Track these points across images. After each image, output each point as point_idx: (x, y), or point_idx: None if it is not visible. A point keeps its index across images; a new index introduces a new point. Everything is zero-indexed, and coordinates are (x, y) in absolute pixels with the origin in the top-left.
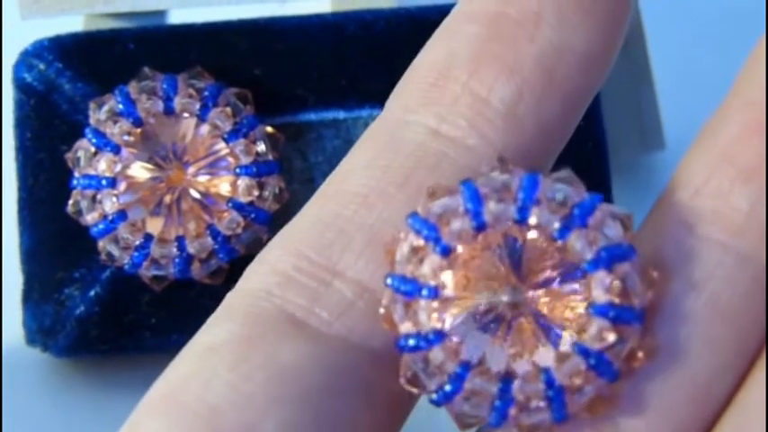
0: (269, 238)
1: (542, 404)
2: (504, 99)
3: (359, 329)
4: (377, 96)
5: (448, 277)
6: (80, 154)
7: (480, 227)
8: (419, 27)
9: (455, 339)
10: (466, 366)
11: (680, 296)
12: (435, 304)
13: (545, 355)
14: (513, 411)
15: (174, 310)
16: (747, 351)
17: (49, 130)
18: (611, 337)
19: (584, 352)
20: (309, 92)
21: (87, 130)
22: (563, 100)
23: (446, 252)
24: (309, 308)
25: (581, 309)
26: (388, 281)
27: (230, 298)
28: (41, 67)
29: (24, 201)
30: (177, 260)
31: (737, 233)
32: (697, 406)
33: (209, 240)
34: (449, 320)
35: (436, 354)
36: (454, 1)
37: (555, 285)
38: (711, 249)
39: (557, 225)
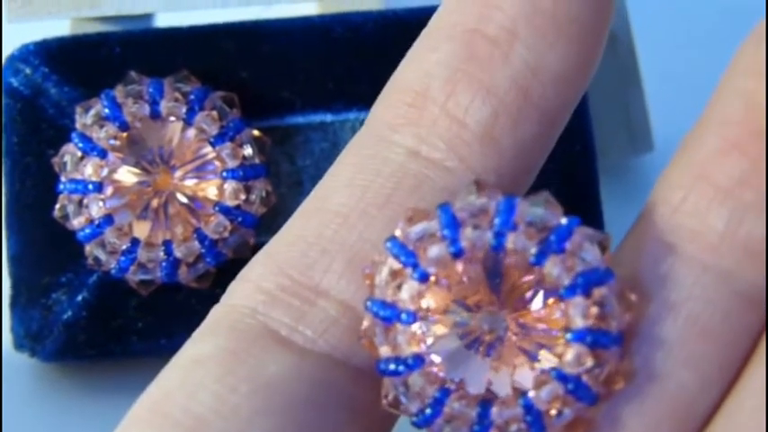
0: (256, 242)
1: (522, 427)
2: (480, 121)
3: (342, 347)
4: (364, 99)
5: (427, 302)
6: (66, 158)
7: (458, 253)
8: (406, 29)
9: (436, 360)
10: (445, 391)
11: (657, 317)
12: (414, 329)
13: (524, 377)
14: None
15: (161, 315)
16: (730, 366)
17: (36, 135)
18: (588, 362)
19: (562, 378)
20: (296, 95)
21: (74, 135)
22: (539, 119)
23: (424, 278)
24: (294, 326)
25: (559, 331)
26: (368, 304)
27: (215, 313)
28: (28, 71)
29: (11, 205)
30: (164, 264)
31: (715, 252)
32: (679, 423)
33: (196, 244)
34: (430, 340)
35: (415, 379)
36: (439, 2)
37: (534, 307)
38: (690, 268)
39: (533, 251)
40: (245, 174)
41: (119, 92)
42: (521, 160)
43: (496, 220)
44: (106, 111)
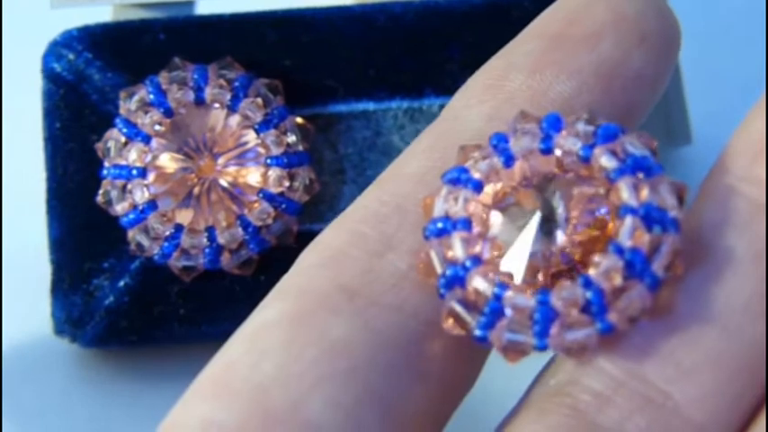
0: (299, 229)
1: (585, 318)
2: (562, 93)
3: (412, 299)
4: (406, 88)
5: (477, 209)
6: (110, 144)
7: (509, 160)
8: (448, 19)
9: (498, 238)
10: (503, 286)
11: (740, 263)
12: (466, 234)
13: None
14: (555, 329)
15: (203, 301)
16: None
17: (79, 121)
18: (644, 237)
19: (618, 250)
20: (339, 83)
21: (118, 120)
22: (616, 110)
23: (477, 187)
24: (362, 278)
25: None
26: (426, 233)
27: (285, 277)
28: (71, 57)
29: (53, 191)
30: (207, 251)
31: None
32: (755, 375)
33: (240, 231)
34: (493, 219)
35: (473, 278)
36: None
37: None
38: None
39: (580, 145)
40: (289, 161)
41: (163, 78)
42: None
43: (544, 125)
44: (151, 96)
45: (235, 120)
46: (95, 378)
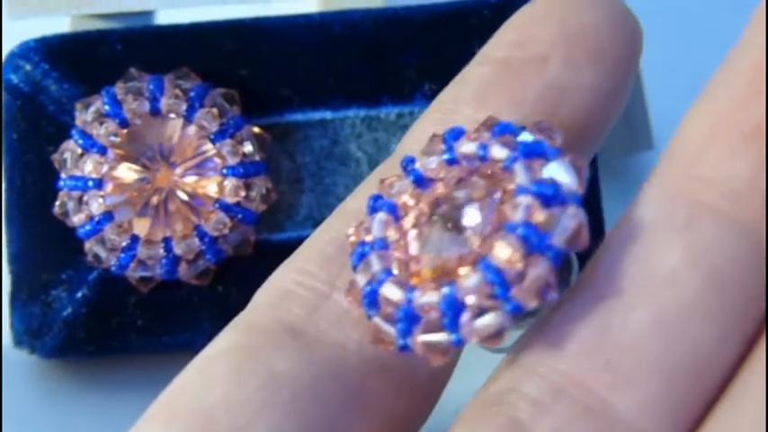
0: (256, 239)
1: (492, 302)
2: None
3: (356, 335)
4: (364, 96)
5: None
6: (67, 155)
7: (418, 180)
8: (406, 27)
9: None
10: (411, 290)
11: (677, 268)
12: (380, 254)
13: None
14: (464, 319)
15: (161, 312)
16: (751, 321)
17: (36, 132)
18: (539, 213)
19: (511, 228)
20: (296, 92)
21: (74, 132)
22: (568, 135)
23: (392, 209)
24: (307, 318)
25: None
26: (352, 264)
27: (240, 314)
28: (28, 68)
29: (11, 202)
30: (164, 261)
31: (738, 201)
32: (696, 378)
33: (196, 241)
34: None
35: (387, 290)
36: (442, 0)
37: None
38: (711, 219)
39: (476, 146)
40: (245, 171)
41: (119, 89)
42: None
43: (447, 137)
44: (106, 108)
45: (192, 130)
46: (55, 389)
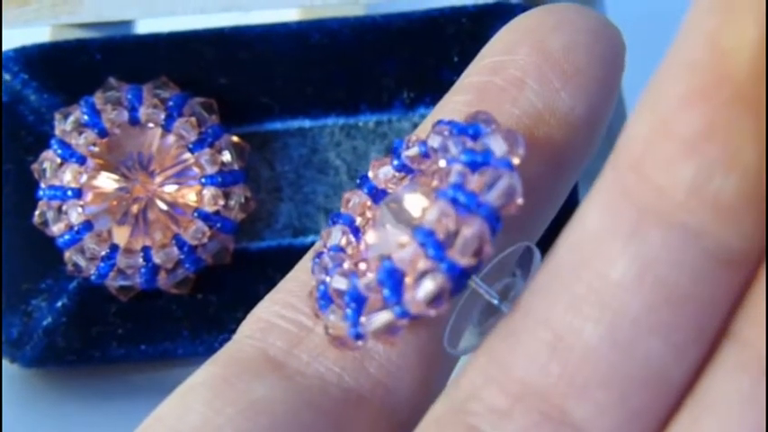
0: (235, 248)
1: (428, 265)
2: None
3: (336, 368)
4: (342, 104)
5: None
6: (46, 165)
7: (371, 190)
8: (385, 35)
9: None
10: (356, 275)
11: (625, 279)
12: (337, 254)
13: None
14: (407, 292)
15: (140, 320)
16: (706, 330)
17: (15, 142)
18: (471, 179)
19: (443, 194)
20: (275, 101)
21: (53, 141)
22: (546, 160)
23: (349, 221)
24: (289, 350)
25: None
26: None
27: (222, 348)
28: (7, 78)
29: None
30: (143, 270)
31: (682, 209)
32: (652, 393)
33: (175, 250)
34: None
35: (335, 281)
36: (420, 8)
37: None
38: (656, 227)
39: (417, 148)
40: (223, 180)
41: (98, 98)
42: (528, 198)
43: (397, 151)
44: (85, 117)
45: (171, 139)
46: (35, 398)
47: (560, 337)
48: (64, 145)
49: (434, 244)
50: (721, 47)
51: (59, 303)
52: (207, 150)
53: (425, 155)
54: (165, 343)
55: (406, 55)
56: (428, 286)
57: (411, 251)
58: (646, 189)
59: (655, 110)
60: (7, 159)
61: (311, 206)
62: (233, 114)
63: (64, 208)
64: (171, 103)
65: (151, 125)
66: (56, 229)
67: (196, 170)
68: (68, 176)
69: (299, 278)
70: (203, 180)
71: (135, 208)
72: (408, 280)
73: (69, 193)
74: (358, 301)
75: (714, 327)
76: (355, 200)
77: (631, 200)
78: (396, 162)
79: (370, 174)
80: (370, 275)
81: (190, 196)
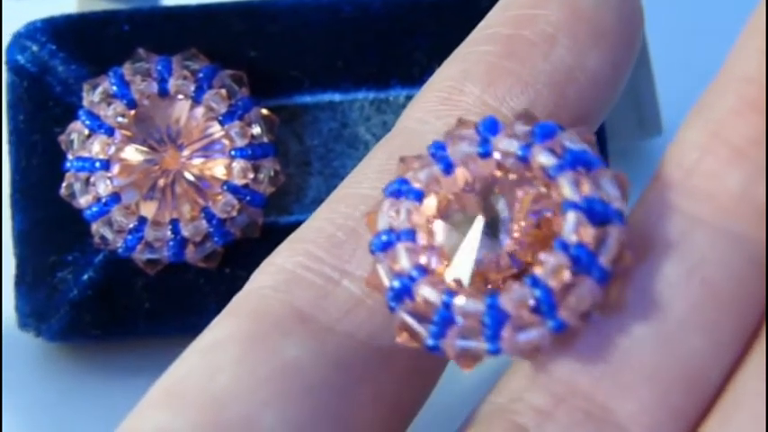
0: (264, 222)
1: (536, 318)
2: (515, 110)
3: (367, 327)
4: (373, 79)
5: (427, 210)
6: (73, 136)
7: (448, 168)
8: (415, 8)
9: (440, 259)
10: (450, 293)
11: (672, 281)
12: (410, 245)
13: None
14: (506, 332)
15: (168, 294)
16: (743, 332)
17: (43, 113)
18: (588, 231)
19: (563, 246)
20: (305, 74)
21: (81, 112)
22: (573, 116)
23: (418, 197)
24: (317, 304)
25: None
26: (371, 248)
27: (237, 297)
28: (34, 48)
29: (17, 184)
30: (171, 243)
31: (730, 214)
32: (691, 388)
33: (204, 223)
34: (439, 234)
35: (422, 289)
36: None
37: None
38: (705, 232)
39: (517, 145)
40: (253, 153)
41: (127, 69)
42: None
43: (481, 129)
44: (114, 88)
45: (199, 111)
46: (60, 372)
47: (606, 337)
48: (92, 116)
49: (549, 301)
50: None
51: (85, 276)
52: (237, 123)
53: (524, 159)
54: (193, 317)
55: (437, 29)
56: (532, 338)
57: (521, 297)
58: (695, 196)
59: (708, 120)
60: (34, 131)
61: (340, 180)
62: (262, 88)
63: (92, 180)
64: (201, 75)
65: (180, 97)
66: (83, 201)
67: (225, 143)
68: (97, 148)
69: (320, 227)
70: (233, 152)
71: (162, 181)
72: (512, 325)
73: (97, 164)
74: (447, 323)
75: (751, 327)
76: (426, 172)
77: (681, 206)
78: (480, 149)
79: (450, 149)
80: (472, 305)
81: (217, 169)
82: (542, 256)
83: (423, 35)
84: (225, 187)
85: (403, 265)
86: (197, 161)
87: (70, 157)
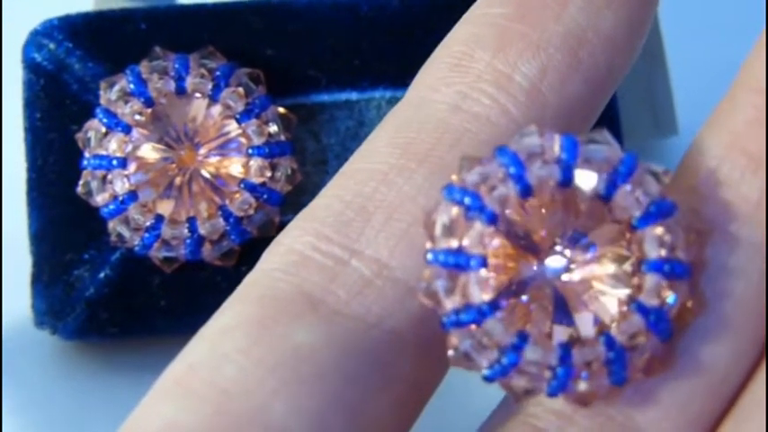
0: (281, 220)
1: (604, 365)
2: (527, 75)
3: (376, 308)
4: (390, 77)
5: (495, 244)
6: (90, 134)
7: (525, 190)
8: (432, 8)
9: (505, 308)
10: (524, 336)
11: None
12: (484, 274)
13: (601, 311)
14: (571, 380)
15: (184, 293)
16: (760, 340)
17: (60, 111)
18: (668, 294)
19: (643, 310)
20: (322, 72)
21: (98, 110)
22: (587, 80)
23: (492, 219)
24: (326, 286)
25: (626, 266)
26: (430, 257)
27: (247, 279)
28: (51, 46)
29: (34, 182)
30: (188, 242)
31: (748, 223)
32: (712, 398)
33: (221, 222)
34: (496, 284)
35: (492, 326)
36: None
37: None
38: (723, 240)
39: (602, 183)
40: (270, 151)
41: (144, 67)
42: (565, 119)
43: (563, 156)
44: (131, 86)
45: (216, 110)
46: (76, 371)
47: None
48: (109, 114)
49: (620, 359)
50: None
51: (102, 274)
52: (254, 121)
53: (606, 198)
54: (209, 315)
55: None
56: (590, 389)
57: (593, 353)
58: (713, 204)
59: (724, 130)
60: (51, 129)
61: None
62: (279, 86)
63: (108, 178)
64: (218, 73)
65: (198, 95)
66: (100, 199)
67: (242, 141)
68: (114, 145)
69: (331, 207)
70: (250, 151)
71: (179, 179)
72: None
73: (114, 162)
74: (511, 365)
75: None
76: (501, 190)
77: (701, 215)
78: (560, 178)
79: (530, 173)
80: (544, 357)
81: (234, 168)
82: (619, 314)
83: (440, 34)
84: (242, 185)
85: (473, 297)
86: (214, 159)
87: (87, 155)
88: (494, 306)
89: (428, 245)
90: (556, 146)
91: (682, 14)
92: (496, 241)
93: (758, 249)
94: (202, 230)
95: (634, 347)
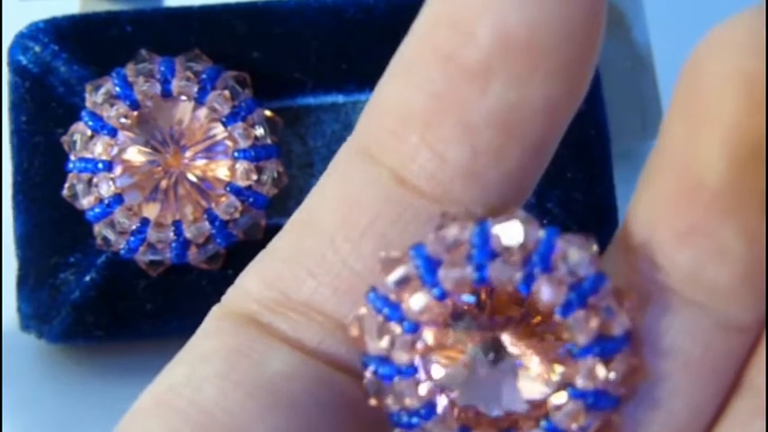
0: (267, 223)
1: None
2: (459, 158)
3: (341, 354)
4: (376, 80)
5: (422, 343)
6: (76, 137)
7: (441, 296)
8: (419, 10)
9: (452, 394)
10: (466, 430)
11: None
12: (414, 380)
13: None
14: None
15: (170, 296)
16: (719, 393)
17: (45, 113)
18: (601, 373)
19: (579, 395)
20: (308, 76)
21: (84, 113)
22: (523, 152)
23: (414, 330)
24: (293, 332)
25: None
26: (365, 361)
27: (217, 314)
28: (37, 49)
29: (19, 185)
30: (174, 245)
31: (686, 287)
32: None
33: (207, 225)
34: (429, 385)
35: (432, 428)
36: None
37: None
38: (667, 300)
39: (518, 277)
40: (256, 154)
41: (130, 70)
42: (508, 190)
43: (473, 252)
44: (117, 89)
45: (202, 113)
46: (62, 374)
47: None
48: (95, 117)
49: None
50: (696, 157)
51: (88, 278)
52: (240, 124)
53: (525, 290)
54: (195, 319)
55: None
56: None
57: None
58: (653, 269)
59: (653, 196)
60: (36, 132)
61: None
62: (266, 89)
63: (94, 181)
64: (204, 76)
65: (183, 98)
66: (85, 202)
67: (228, 144)
68: (99, 149)
69: (284, 255)
70: (236, 154)
71: (165, 182)
72: None
73: (100, 165)
74: None
75: (727, 388)
76: (421, 300)
77: (645, 273)
78: (476, 276)
79: (442, 274)
80: None
81: (220, 171)
82: (555, 400)
83: None
84: (228, 189)
85: (407, 403)
86: (200, 162)
87: (72, 158)
88: (430, 409)
89: (363, 345)
90: (471, 239)
91: (669, 19)
92: (420, 344)
93: (699, 309)
94: (188, 234)
95: (577, 427)
